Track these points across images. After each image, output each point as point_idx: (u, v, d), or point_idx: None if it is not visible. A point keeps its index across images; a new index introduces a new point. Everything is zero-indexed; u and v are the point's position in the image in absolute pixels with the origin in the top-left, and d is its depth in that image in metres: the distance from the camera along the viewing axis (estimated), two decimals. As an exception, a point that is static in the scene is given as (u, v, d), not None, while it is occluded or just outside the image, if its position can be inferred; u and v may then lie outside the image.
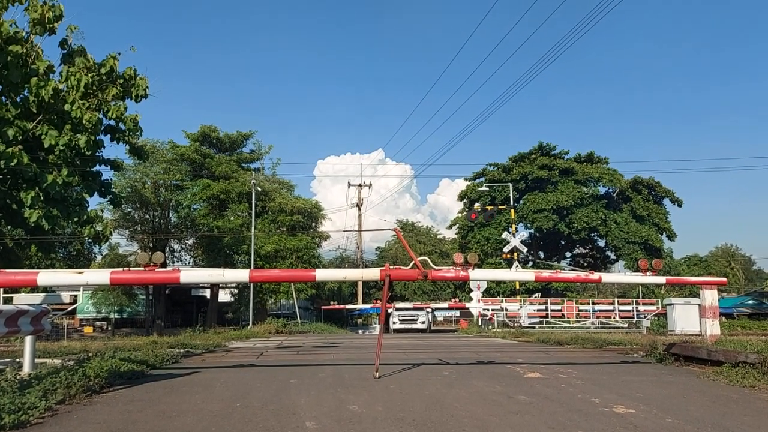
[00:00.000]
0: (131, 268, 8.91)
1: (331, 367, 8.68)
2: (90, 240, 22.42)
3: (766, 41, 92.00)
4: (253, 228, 35.00)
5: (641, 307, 31.50)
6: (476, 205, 42.34)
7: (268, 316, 35.61)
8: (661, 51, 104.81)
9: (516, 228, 36.82)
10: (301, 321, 35.57)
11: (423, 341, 17.48)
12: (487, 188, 42.59)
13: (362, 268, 39.16)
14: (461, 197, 48.39)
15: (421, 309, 35.23)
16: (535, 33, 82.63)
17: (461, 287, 46.59)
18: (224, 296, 44.54)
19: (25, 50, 14.74)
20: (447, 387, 6.72)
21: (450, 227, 50.68)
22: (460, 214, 48.63)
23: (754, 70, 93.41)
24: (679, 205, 45.51)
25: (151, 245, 36.75)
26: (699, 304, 9.89)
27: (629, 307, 31.80)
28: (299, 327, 30.91)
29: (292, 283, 35.28)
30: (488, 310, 31.31)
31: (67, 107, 14.88)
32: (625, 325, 29.60)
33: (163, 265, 8.21)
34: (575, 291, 41.17)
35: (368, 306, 44.55)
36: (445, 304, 42.03)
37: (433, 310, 39.33)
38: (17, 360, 7.62)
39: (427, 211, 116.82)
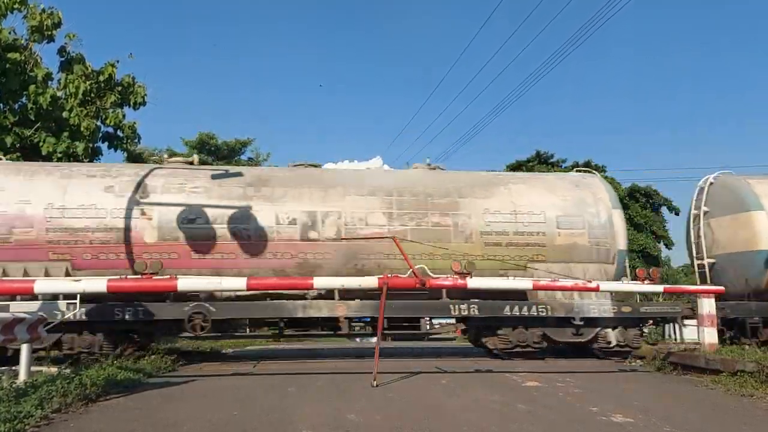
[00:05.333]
0: (128, 277, 8.90)
1: (329, 375, 8.65)
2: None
3: (765, 47, 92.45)
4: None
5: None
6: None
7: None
8: (660, 58, 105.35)
9: (514, 236, 36.72)
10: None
11: (421, 349, 17.42)
12: (485, 196, 42.60)
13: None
14: (459, 205, 48.40)
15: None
16: (535, 41, 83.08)
17: (459, 295, 46.33)
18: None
19: (23, 57, 14.77)
20: (446, 395, 6.70)
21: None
22: (458, 222, 48.58)
23: (755, 77, 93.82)
24: (677, 213, 45.40)
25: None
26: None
27: (628, 315, 31.65)
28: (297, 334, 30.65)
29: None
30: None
31: (65, 114, 14.90)
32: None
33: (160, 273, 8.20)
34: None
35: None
36: (444, 312, 41.76)
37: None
38: (13, 368, 7.57)
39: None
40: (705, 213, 12.83)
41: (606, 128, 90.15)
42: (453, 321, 11.86)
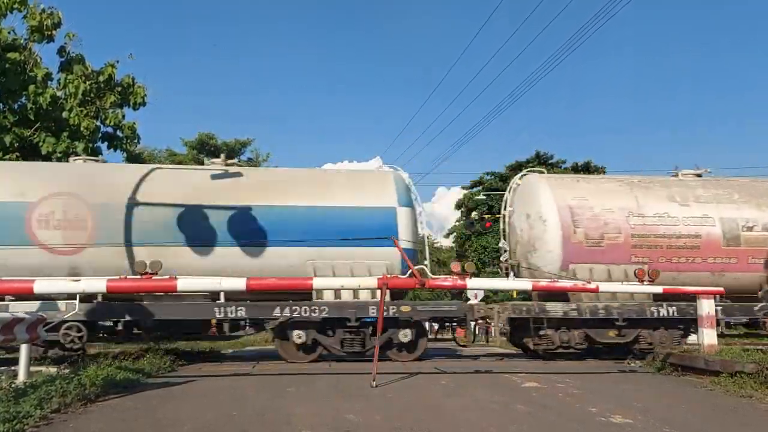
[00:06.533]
0: (128, 277, 8.89)
1: (328, 376, 8.65)
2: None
3: (764, 48, 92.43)
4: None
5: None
6: (473, 214, 42.38)
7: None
8: (660, 59, 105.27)
9: (514, 237, 36.73)
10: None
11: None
12: (485, 197, 42.62)
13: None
14: (458, 206, 48.36)
15: None
16: (535, 41, 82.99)
17: (458, 296, 46.45)
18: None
19: (23, 57, 14.76)
20: (445, 396, 6.70)
21: (447, 236, 50.60)
22: (457, 223, 48.65)
23: (755, 77, 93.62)
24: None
25: (147, 253, 36.60)
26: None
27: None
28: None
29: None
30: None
31: (65, 114, 14.90)
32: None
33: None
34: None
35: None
36: (443, 313, 41.78)
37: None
38: (12, 368, 7.57)
39: (424, 219, 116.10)
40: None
41: (606, 128, 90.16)
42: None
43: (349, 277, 10.06)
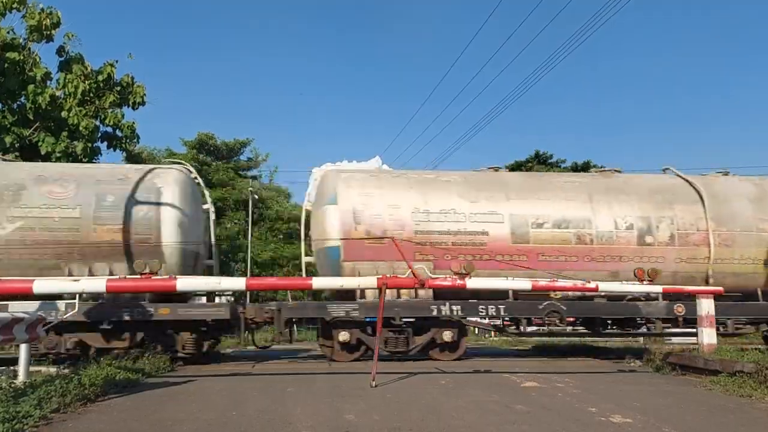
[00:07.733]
0: (127, 276, 8.91)
1: (327, 376, 8.66)
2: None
3: (760, 49, 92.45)
4: (249, 236, 34.88)
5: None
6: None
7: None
8: (657, 59, 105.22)
9: (513, 236, 36.62)
10: (297, 329, 35.28)
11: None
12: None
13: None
14: (458, 205, 48.33)
15: None
16: (534, 41, 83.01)
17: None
18: (221, 304, 44.31)
19: (22, 57, 14.76)
20: (444, 396, 6.70)
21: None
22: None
23: (756, 77, 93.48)
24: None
25: (147, 253, 36.54)
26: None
27: (627, 316, 31.58)
28: (296, 335, 30.60)
29: (288, 291, 35.00)
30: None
31: (64, 114, 14.90)
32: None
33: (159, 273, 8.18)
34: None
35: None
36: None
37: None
38: (12, 368, 7.57)
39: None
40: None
41: (606, 128, 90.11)
42: None
43: (349, 278, 10.06)
